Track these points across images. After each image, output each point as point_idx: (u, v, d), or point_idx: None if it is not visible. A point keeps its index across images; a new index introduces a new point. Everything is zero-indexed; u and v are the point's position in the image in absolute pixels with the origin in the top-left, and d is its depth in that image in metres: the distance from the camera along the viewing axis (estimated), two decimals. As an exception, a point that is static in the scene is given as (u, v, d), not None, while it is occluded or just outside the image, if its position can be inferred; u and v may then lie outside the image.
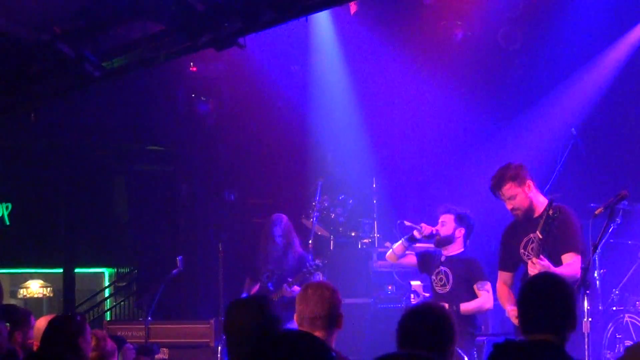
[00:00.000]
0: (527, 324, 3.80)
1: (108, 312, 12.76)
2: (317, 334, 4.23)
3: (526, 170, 6.21)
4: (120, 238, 13.02)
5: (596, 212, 5.96)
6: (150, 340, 8.20)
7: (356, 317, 8.63)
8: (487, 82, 10.45)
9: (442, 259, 7.28)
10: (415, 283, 8.59)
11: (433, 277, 7.31)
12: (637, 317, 7.76)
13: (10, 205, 12.53)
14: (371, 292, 9.23)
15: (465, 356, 6.74)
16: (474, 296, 7.10)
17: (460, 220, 7.25)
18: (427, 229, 7.25)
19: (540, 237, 5.85)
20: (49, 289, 13.69)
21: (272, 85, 11.03)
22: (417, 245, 7.55)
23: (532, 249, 6.01)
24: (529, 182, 6.16)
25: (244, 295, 8.10)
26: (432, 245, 7.45)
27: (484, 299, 7.06)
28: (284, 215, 8.16)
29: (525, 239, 6.17)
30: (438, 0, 10.02)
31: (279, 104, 11.26)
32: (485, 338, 8.04)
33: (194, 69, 11.24)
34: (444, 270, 7.22)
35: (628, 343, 7.52)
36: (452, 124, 10.49)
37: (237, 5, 6.36)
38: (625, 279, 8.13)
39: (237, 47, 6.69)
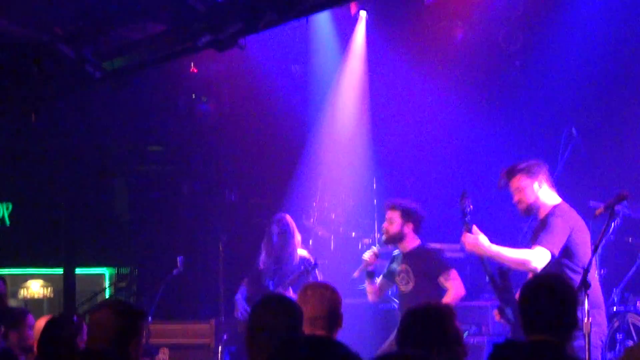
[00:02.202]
0: (527, 324, 3.81)
1: (108, 313, 12.71)
2: (318, 334, 4.24)
3: (542, 168, 6.14)
4: (121, 238, 13.00)
5: (596, 213, 5.96)
6: (150, 341, 8.19)
7: (356, 317, 8.63)
8: (487, 83, 10.44)
9: (400, 255, 7.19)
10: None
11: (397, 278, 7.20)
12: (638, 317, 7.76)
13: (10, 205, 12.51)
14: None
15: None
16: (439, 290, 6.96)
17: (406, 215, 7.13)
18: (370, 258, 7.19)
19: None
20: (49, 289, 13.65)
21: (272, 85, 11.02)
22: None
23: None
24: (542, 179, 6.09)
25: (242, 294, 8.10)
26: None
27: (454, 289, 6.93)
28: (286, 215, 8.15)
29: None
30: (438, 1, 10.01)
31: (280, 104, 11.25)
32: (485, 338, 8.05)
33: (195, 69, 11.23)
34: (405, 268, 7.11)
35: (629, 343, 7.52)
36: (452, 125, 10.47)
37: (238, 6, 6.37)
38: (626, 279, 8.13)
39: (238, 47, 6.70)
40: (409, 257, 7.14)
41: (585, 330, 5.12)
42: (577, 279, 5.60)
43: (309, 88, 11.05)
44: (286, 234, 7.98)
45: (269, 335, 3.62)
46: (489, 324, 8.23)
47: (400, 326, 3.77)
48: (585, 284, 5.20)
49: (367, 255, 7.27)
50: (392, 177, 10.59)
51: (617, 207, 5.88)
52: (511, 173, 6.14)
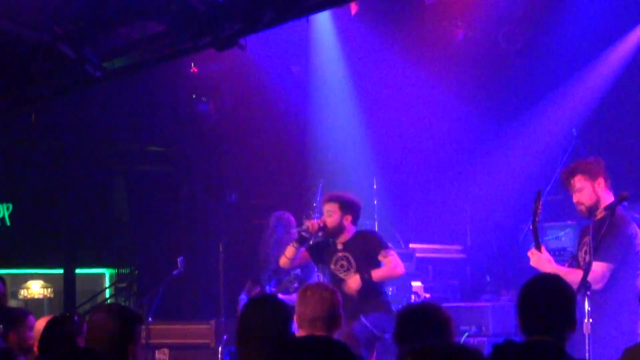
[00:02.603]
0: (526, 325, 3.80)
1: (109, 313, 12.68)
2: (317, 334, 4.23)
3: (601, 166, 5.95)
4: (121, 238, 13.00)
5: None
6: (151, 341, 8.20)
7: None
8: (488, 83, 10.44)
9: (339, 247, 7.12)
10: (416, 284, 8.54)
11: (332, 266, 7.11)
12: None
13: (10, 206, 12.51)
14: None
15: (371, 326, 6.66)
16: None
17: (344, 207, 7.07)
18: (313, 225, 7.09)
19: (531, 227, 5.76)
20: (49, 289, 13.65)
21: (272, 85, 11.03)
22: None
23: (585, 252, 5.85)
24: (601, 180, 5.89)
25: (244, 296, 8.10)
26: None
27: (392, 264, 6.86)
28: (286, 213, 8.14)
29: (583, 241, 5.99)
30: (439, 1, 10.01)
31: (280, 105, 11.25)
32: (485, 338, 8.04)
33: (195, 69, 11.23)
34: (343, 256, 7.05)
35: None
36: (453, 125, 10.48)
37: (238, 6, 6.37)
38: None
39: (238, 47, 6.70)
40: (348, 245, 7.07)
41: (586, 330, 5.11)
42: (633, 282, 5.67)
43: (309, 88, 11.04)
44: (289, 233, 7.97)
45: (258, 337, 3.65)
46: (489, 324, 8.23)
47: (399, 323, 3.79)
48: (585, 285, 5.18)
49: (312, 222, 7.17)
50: (392, 177, 10.59)
51: (618, 208, 5.84)
52: (571, 173, 5.94)
